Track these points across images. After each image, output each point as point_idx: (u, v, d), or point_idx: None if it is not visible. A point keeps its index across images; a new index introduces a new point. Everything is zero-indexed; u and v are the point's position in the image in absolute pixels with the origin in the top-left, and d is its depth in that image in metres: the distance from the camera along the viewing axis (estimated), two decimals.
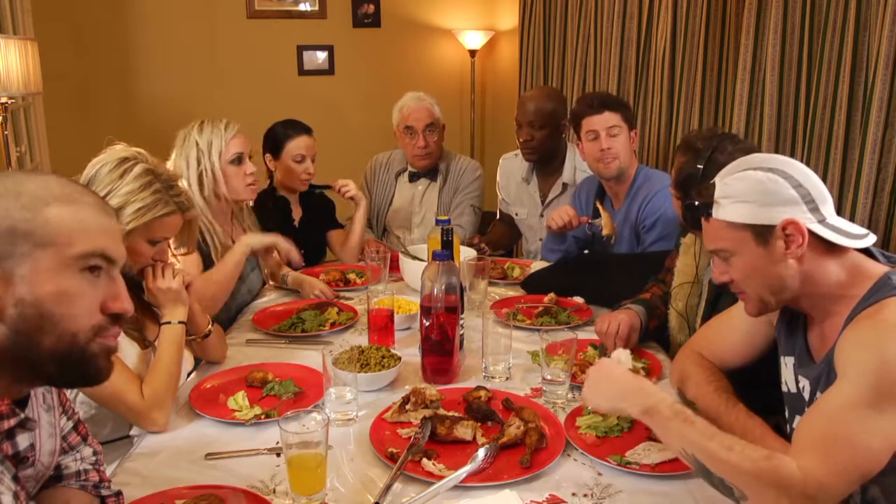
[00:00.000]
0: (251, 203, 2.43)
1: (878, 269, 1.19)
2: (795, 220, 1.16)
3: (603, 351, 1.76)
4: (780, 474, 1.04)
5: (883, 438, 1.03)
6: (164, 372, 1.48)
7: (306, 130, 2.64)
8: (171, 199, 1.53)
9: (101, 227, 0.89)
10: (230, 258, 2.06)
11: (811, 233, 1.17)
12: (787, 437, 1.31)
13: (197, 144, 2.09)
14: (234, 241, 2.20)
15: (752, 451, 1.08)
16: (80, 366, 0.87)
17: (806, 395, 1.25)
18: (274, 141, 2.62)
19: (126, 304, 0.91)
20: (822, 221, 1.18)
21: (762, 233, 1.18)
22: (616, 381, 1.30)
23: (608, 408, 1.31)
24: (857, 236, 1.19)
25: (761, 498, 1.06)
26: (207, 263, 2.08)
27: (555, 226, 2.42)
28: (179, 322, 1.55)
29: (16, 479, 0.85)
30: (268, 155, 2.65)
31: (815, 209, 1.17)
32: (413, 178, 3.04)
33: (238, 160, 2.14)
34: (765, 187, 1.17)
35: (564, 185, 2.85)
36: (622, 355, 1.47)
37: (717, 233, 1.24)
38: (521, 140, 2.83)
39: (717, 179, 1.25)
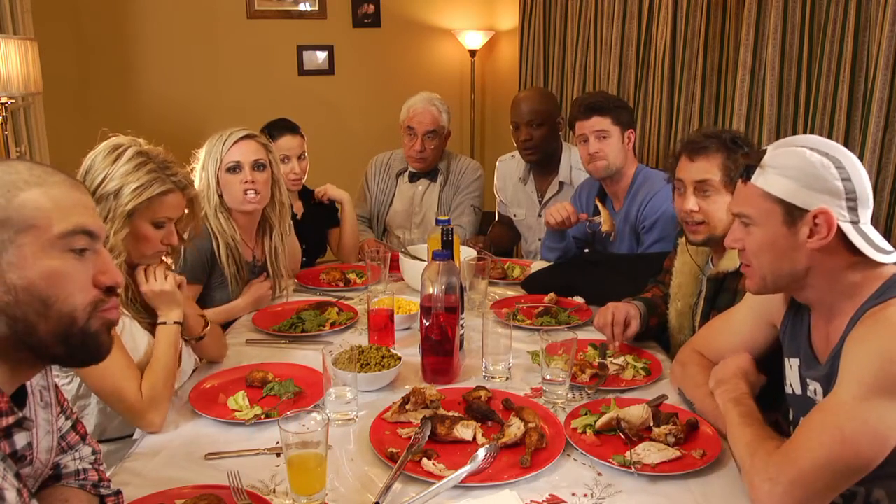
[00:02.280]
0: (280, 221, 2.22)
1: (887, 270, 1.18)
2: (829, 211, 1.14)
3: (603, 351, 1.76)
4: (763, 448, 1.11)
5: (859, 424, 1.03)
6: (160, 373, 1.48)
7: (290, 129, 2.61)
8: (167, 177, 1.53)
9: (76, 202, 0.89)
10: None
11: (839, 230, 1.15)
12: (787, 436, 1.31)
13: (202, 156, 2.09)
14: (255, 256, 2.18)
15: (759, 431, 1.18)
16: (84, 344, 0.88)
17: (819, 398, 1.25)
18: None
19: (116, 276, 0.91)
20: (854, 223, 1.16)
21: (792, 213, 1.16)
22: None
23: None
24: (883, 250, 1.17)
25: (744, 469, 1.14)
26: (217, 280, 2.07)
27: (553, 221, 2.42)
28: (175, 322, 1.56)
29: (18, 476, 0.85)
30: None
31: (853, 209, 1.15)
32: (413, 178, 3.03)
33: (236, 168, 2.06)
34: (814, 170, 1.15)
35: (561, 184, 2.86)
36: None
37: (749, 198, 1.22)
38: (520, 140, 2.83)
39: (770, 147, 1.22)
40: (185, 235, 1.69)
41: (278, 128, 2.61)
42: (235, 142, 2.07)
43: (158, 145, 1.62)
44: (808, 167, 1.15)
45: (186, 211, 1.62)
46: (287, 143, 2.58)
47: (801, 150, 1.17)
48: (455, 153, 3.13)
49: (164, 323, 1.55)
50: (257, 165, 2.07)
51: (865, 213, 1.17)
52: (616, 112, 2.39)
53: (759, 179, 1.20)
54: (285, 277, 2.26)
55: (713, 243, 1.74)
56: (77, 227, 0.87)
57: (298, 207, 2.71)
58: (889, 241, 2.08)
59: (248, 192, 2.07)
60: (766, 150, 1.22)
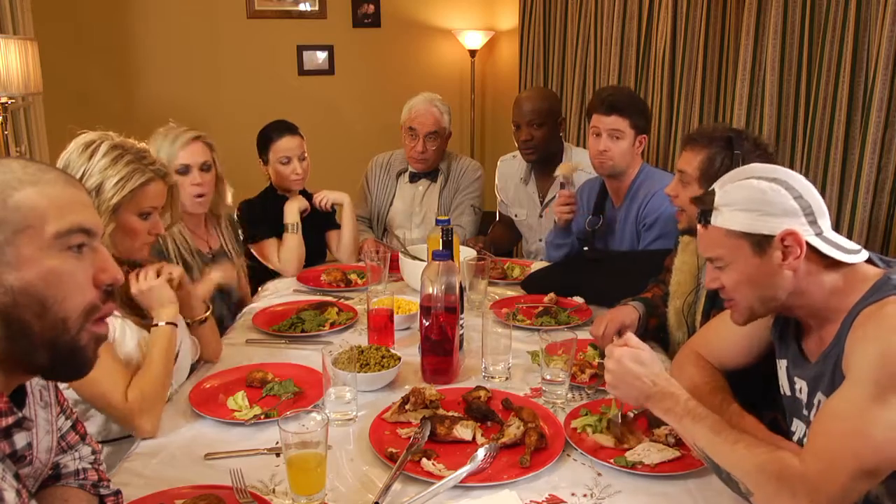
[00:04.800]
0: (236, 212, 2.36)
1: (875, 272, 1.19)
2: (795, 231, 1.16)
3: (603, 351, 1.76)
4: (781, 466, 1.06)
5: (886, 429, 1.02)
6: (151, 379, 1.45)
7: (290, 130, 2.60)
8: (146, 167, 1.53)
9: (72, 199, 0.88)
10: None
11: (809, 245, 1.17)
12: (786, 435, 1.31)
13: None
14: (210, 248, 2.16)
15: (756, 445, 1.10)
16: (71, 356, 0.87)
17: (803, 397, 1.25)
18: (262, 145, 2.61)
19: (116, 273, 0.90)
20: (819, 234, 1.18)
21: (760, 242, 1.18)
22: (637, 383, 1.28)
23: (633, 403, 1.33)
24: (851, 251, 1.19)
25: (763, 491, 1.07)
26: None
27: (560, 213, 2.45)
28: (168, 323, 1.53)
29: (17, 477, 0.85)
30: (260, 159, 2.64)
31: (813, 222, 1.17)
32: (413, 178, 3.03)
33: (185, 171, 2.04)
34: (766, 197, 1.17)
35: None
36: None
37: (714, 240, 1.24)
38: (520, 140, 2.83)
39: (716, 186, 1.25)
40: (166, 223, 1.68)
41: (278, 129, 2.60)
42: (184, 145, 2.06)
43: None
44: (760, 195, 1.18)
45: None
46: (287, 143, 2.58)
47: (748, 181, 1.20)
48: (455, 153, 3.12)
49: (157, 324, 1.52)
50: (204, 167, 2.08)
51: (825, 223, 1.20)
52: (635, 116, 2.37)
53: (718, 220, 1.22)
54: (237, 258, 2.25)
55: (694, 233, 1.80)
56: (74, 225, 0.86)
57: (305, 206, 2.70)
58: (890, 241, 2.10)
59: (198, 196, 2.07)
60: (714, 190, 1.24)
